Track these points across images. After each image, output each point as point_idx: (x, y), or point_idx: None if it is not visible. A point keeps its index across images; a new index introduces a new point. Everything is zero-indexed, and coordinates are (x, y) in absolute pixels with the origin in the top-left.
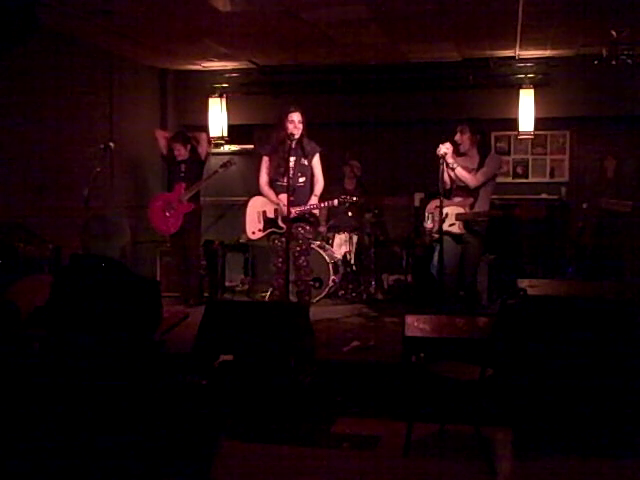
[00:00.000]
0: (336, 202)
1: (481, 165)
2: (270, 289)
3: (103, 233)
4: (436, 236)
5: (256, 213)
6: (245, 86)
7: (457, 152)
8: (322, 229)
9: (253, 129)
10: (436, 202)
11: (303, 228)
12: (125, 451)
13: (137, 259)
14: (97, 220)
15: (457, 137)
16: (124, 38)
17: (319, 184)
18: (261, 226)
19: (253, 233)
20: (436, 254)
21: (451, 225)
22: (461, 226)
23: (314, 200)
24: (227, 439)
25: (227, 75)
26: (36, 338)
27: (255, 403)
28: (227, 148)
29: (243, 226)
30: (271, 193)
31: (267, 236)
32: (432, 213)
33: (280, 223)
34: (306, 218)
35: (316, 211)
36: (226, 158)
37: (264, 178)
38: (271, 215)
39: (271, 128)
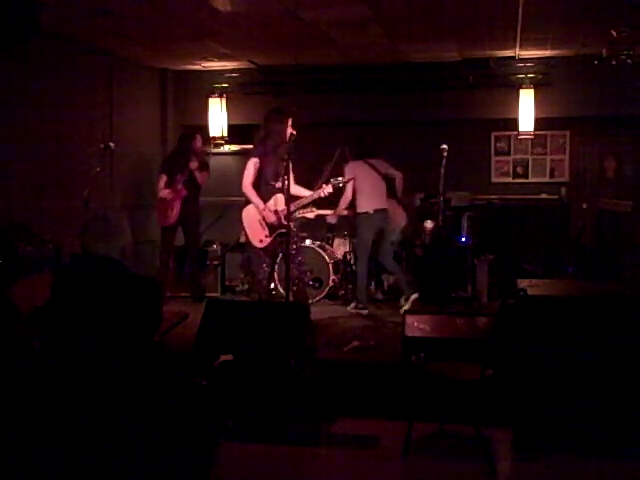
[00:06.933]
0: (330, 188)
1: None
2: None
3: (103, 233)
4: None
5: (257, 222)
6: (245, 86)
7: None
8: (332, 219)
9: (253, 129)
10: None
11: (294, 226)
12: (124, 451)
13: (137, 259)
14: (97, 220)
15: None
16: (124, 38)
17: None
18: (267, 232)
19: (261, 241)
20: None
21: None
22: None
23: (303, 191)
24: (227, 439)
25: (227, 75)
26: (36, 338)
27: (255, 403)
28: (227, 148)
29: (246, 237)
30: (253, 194)
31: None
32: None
33: (284, 221)
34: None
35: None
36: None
37: (250, 179)
38: (272, 219)
39: (258, 129)
